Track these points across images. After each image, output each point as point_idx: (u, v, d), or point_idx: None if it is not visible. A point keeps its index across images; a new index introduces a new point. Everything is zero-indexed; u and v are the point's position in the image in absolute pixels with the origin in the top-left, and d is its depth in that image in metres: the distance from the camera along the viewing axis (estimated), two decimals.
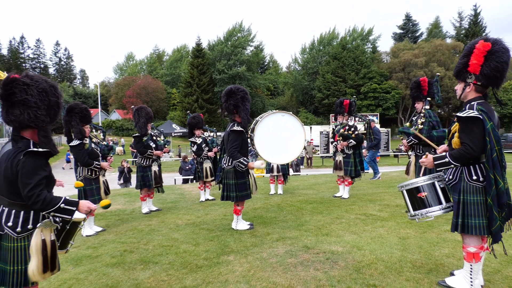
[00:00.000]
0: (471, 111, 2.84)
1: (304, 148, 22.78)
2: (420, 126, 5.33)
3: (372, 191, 8.12)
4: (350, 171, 7.08)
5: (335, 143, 7.26)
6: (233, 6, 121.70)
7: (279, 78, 60.25)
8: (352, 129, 7.06)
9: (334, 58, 47.42)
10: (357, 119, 7.35)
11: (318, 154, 25.72)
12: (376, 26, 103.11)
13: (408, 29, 54.40)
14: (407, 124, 5.27)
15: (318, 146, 26.32)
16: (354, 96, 8.01)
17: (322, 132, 26.15)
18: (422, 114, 5.46)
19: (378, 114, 35.99)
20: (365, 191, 8.23)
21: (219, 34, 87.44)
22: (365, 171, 12.56)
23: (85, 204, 2.62)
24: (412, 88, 5.69)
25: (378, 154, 25.23)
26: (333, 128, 7.53)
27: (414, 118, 5.72)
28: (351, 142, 7.00)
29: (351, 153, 7.10)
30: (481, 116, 2.79)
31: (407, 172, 5.89)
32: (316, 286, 3.26)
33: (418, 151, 5.60)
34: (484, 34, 47.58)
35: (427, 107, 5.44)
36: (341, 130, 7.13)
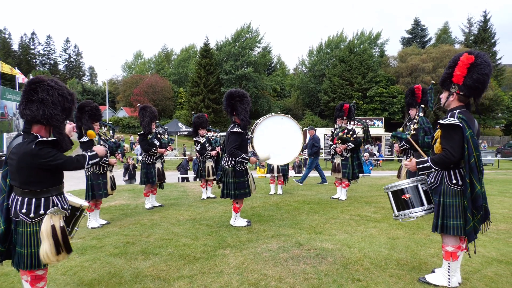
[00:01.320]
0: (452, 119, 3.05)
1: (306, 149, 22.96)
2: (412, 132, 5.53)
3: (369, 194, 8.31)
4: (348, 174, 7.29)
5: (334, 146, 7.47)
6: (242, 7, 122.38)
7: (286, 80, 60.36)
8: (351, 132, 7.27)
9: (341, 61, 47.44)
10: (356, 122, 7.56)
11: (322, 156, 25.86)
12: (384, 30, 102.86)
13: (416, 34, 54.22)
14: (400, 129, 5.47)
15: (322, 148, 26.47)
16: (354, 101, 8.22)
17: (326, 134, 26.29)
18: (415, 120, 5.66)
19: (383, 118, 35.99)
20: (363, 193, 8.42)
21: (227, 34, 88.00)
22: (365, 174, 12.71)
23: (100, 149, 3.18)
24: (407, 95, 5.91)
25: (377, 160, 25.39)
26: (332, 131, 7.75)
27: (408, 124, 5.92)
28: (350, 145, 7.21)
29: (349, 156, 7.31)
30: (461, 124, 3.00)
31: (398, 175, 6.08)
32: (304, 278, 3.48)
33: (409, 155, 5.79)
34: (493, 40, 47.33)
35: (421, 114, 5.63)
36: (340, 134, 7.34)
